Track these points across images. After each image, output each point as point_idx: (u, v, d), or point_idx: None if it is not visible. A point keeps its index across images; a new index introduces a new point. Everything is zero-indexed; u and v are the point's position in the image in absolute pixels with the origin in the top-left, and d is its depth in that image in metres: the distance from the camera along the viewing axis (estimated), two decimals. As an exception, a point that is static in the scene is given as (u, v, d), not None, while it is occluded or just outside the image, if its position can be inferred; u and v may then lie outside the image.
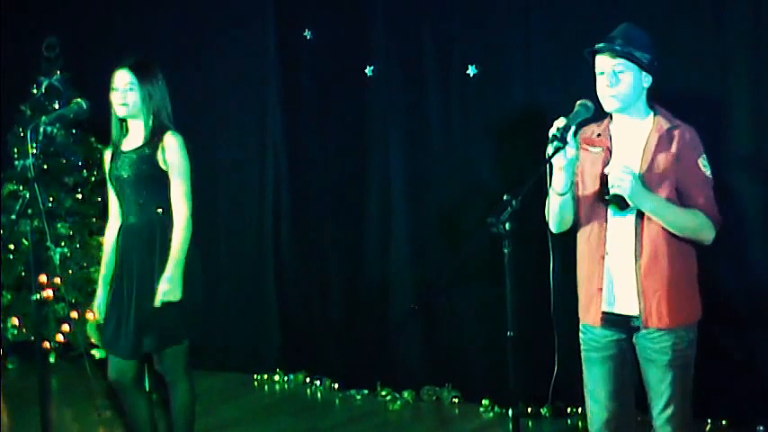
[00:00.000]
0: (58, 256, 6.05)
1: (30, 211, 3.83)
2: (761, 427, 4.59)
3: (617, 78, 3.21)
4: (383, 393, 5.56)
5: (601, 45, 3.25)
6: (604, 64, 3.24)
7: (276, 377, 6.02)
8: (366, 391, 5.64)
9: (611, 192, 3.16)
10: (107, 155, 4.21)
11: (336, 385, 5.77)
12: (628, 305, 3.27)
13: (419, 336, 5.56)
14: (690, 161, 3.22)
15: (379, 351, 5.65)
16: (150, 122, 4.08)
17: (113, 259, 4.16)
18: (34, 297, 3.93)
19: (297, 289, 6.03)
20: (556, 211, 3.29)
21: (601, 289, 3.30)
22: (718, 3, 4.56)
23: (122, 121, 4.13)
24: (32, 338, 5.82)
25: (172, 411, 4.23)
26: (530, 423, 4.99)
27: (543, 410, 5.05)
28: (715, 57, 4.59)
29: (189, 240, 4.04)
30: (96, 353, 5.80)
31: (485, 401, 5.25)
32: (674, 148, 3.21)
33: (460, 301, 5.37)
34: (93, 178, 6.42)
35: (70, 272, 6.24)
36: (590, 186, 3.32)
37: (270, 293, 6.09)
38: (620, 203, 3.18)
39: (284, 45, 5.89)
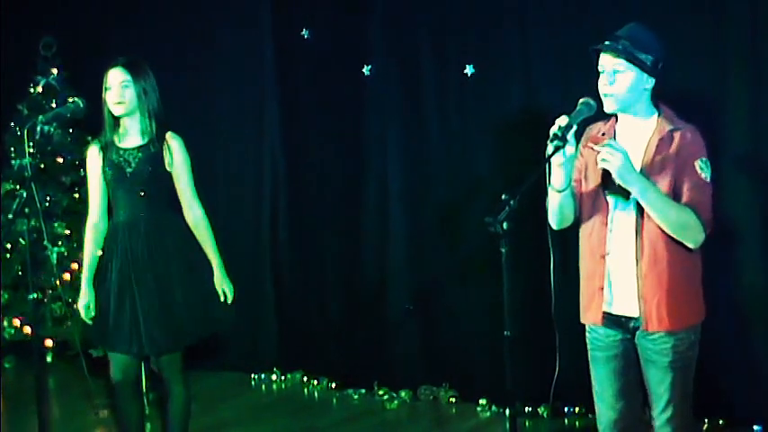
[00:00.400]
0: (55, 256, 6.04)
1: (27, 210, 3.82)
2: (757, 427, 4.60)
3: (616, 77, 3.21)
4: (380, 393, 5.56)
5: (606, 43, 3.25)
6: (606, 62, 3.24)
7: (273, 376, 6.02)
8: (363, 391, 5.64)
9: (600, 165, 3.13)
10: (94, 151, 4.16)
11: (334, 385, 5.77)
12: (628, 307, 3.26)
13: (416, 335, 5.56)
14: (687, 161, 3.21)
15: (377, 350, 5.65)
16: (148, 119, 4.09)
17: (105, 256, 4.14)
18: (31, 296, 3.93)
19: (294, 288, 6.03)
20: (555, 208, 3.29)
21: (602, 288, 3.29)
22: (718, 3, 4.57)
23: (115, 118, 4.13)
24: (29, 336, 5.84)
25: (167, 410, 4.23)
26: (527, 423, 5.00)
27: (541, 410, 5.05)
28: (714, 58, 4.59)
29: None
30: (93, 352, 5.79)
31: (482, 401, 5.26)
32: (673, 148, 3.21)
33: (458, 300, 5.37)
34: (90, 177, 6.41)
35: (67, 271, 6.23)
36: (592, 184, 3.32)
37: (267, 293, 6.08)
38: (623, 193, 3.17)
39: (281, 44, 5.89)
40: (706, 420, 4.66)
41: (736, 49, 4.55)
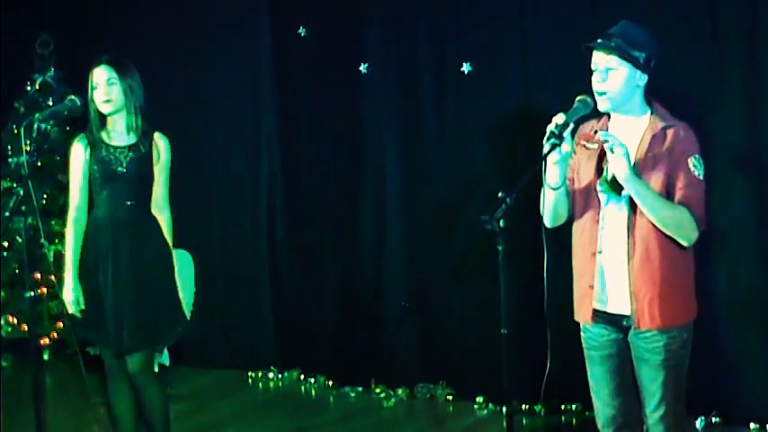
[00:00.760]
0: (52, 254, 6.03)
1: (23, 207, 3.82)
2: (753, 425, 4.60)
3: (609, 74, 3.21)
4: (377, 391, 5.57)
5: (597, 41, 3.25)
6: (599, 60, 3.24)
7: (271, 374, 6.01)
8: (360, 389, 5.65)
9: (609, 157, 3.12)
10: (80, 147, 4.15)
11: (331, 383, 5.77)
12: (620, 305, 3.27)
13: (413, 333, 5.57)
14: (680, 158, 3.21)
15: (374, 348, 5.66)
16: (134, 116, 4.11)
17: (84, 253, 4.16)
18: (28, 294, 3.93)
19: (291, 287, 6.02)
20: (550, 206, 3.29)
21: (592, 286, 3.30)
22: (714, 2, 4.57)
23: (102, 116, 4.13)
24: (26, 334, 5.84)
25: (147, 414, 4.23)
26: (524, 420, 5.01)
27: (537, 408, 5.06)
28: (709, 56, 4.60)
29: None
30: (90, 350, 5.79)
31: (479, 399, 5.26)
32: (666, 145, 3.21)
33: (455, 298, 5.38)
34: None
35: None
36: (585, 182, 3.32)
37: (264, 291, 6.08)
38: (616, 187, 3.17)
39: (279, 42, 5.89)
40: (701, 418, 4.67)
41: (732, 48, 4.55)
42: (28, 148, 5.99)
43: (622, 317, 3.28)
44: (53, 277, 6.11)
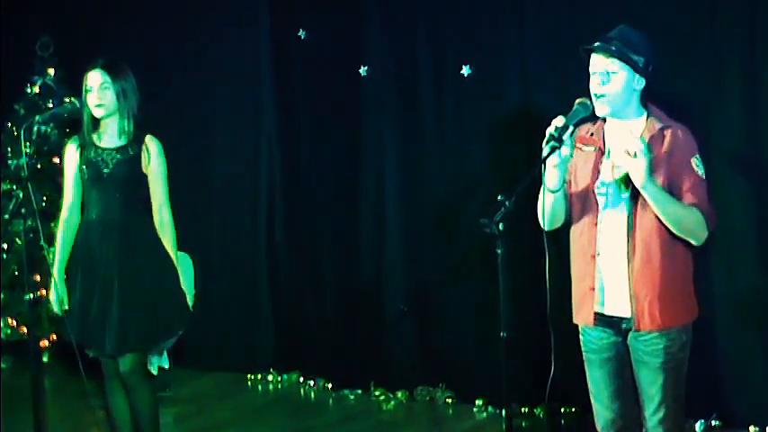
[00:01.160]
0: (51, 256, 6.02)
1: (23, 210, 3.83)
2: (753, 428, 4.60)
3: (608, 77, 3.21)
4: (377, 393, 5.56)
5: (596, 44, 3.25)
6: (598, 63, 3.24)
7: (270, 377, 6.01)
8: (360, 391, 5.64)
9: (626, 159, 3.09)
10: (72, 148, 4.19)
11: (330, 385, 5.77)
12: (620, 307, 3.26)
13: (413, 336, 5.56)
14: (682, 160, 3.21)
15: (373, 351, 5.65)
16: (127, 119, 4.11)
17: (72, 254, 4.18)
18: (27, 296, 3.92)
19: (290, 289, 6.02)
20: (548, 209, 3.28)
21: (593, 288, 3.30)
22: (714, 4, 4.57)
23: (95, 118, 4.14)
24: (26, 337, 5.83)
25: (136, 415, 4.21)
26: (523, 423, 5.00)
27: (537, 411, 5.06)
28: (710, 58, 4.60)
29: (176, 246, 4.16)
30: (90, 352, 5.79)
31: (478, 402, 5.26)
32: (665, 148, 3.21)
33: (454, 301, 5.38)
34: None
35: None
36: (582, 185, 3.32)
37: (263, 293, 6.08)
38: (626, 182, 3.17)
39: (278, 45, 5.89)
40: (701, 421, 4.67)
41: (732, 50, 4.55)
42: (28, 151, 5.99)
43: (621, 319, 3.28)
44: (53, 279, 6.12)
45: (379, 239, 5.66)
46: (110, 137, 4.15)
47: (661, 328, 3.22)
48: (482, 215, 2.95)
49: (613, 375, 3.35)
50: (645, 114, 3.29)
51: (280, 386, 5.95)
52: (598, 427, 3.43)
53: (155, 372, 4.47)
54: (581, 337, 3.41)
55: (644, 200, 3.16)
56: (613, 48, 3.20)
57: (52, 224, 6.15)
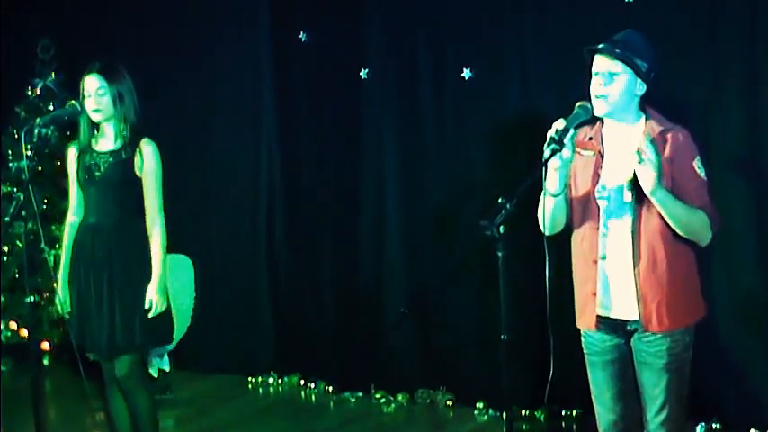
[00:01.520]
0: (52, 258, 6.02)
1: (24, 213, 3.84)
2: (754, 431, 4.60)
3: (611, 79, 3.22)
4: (377, 396, 5.56)
5: (601, 45, 3.26)
6: (601, 65, 3.25)
7: (270, 380, 6.01)
8: (360, 394, 5.64)
9: (638, 167, 3.09)
10: (72, 152, 4.22)
11: (330, 388, 5.76)
12: (626, 310, 3.27)
13: (413, 338, 5.56)
14: (684, 163, 3.23)
15: (374, 354, 5.65)
16: (123, 123, 4.11)
17: (72, 256, 4.19)
18: (28, 299, 3.93)
19: (291, 291, 6.02)
20: (549, 213, 3.28)
21: (595, 293, 3.30)
22: (714, 6, 4.57)
23: (93, 122, 4.15)
24: (26, 339, 5.83)
25: (135, 418, 4.21)
26: (524, 426, 5.00)
27: (538, 413, 5.05)
28: (710, 59, 4.60)
29: (166, 250, 4.11)
30: (90, 355, 5.79)
31: (479, 404, 5.26)
32: (667, 151, 3.22)
33: (455, 303, 5.37)
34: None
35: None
36: (582, 190, 3.32)
37: (264, 296, 6.08)
38: (633, 185, 3.17)
39: (279, 47, 5.89)
40: (702, 424, 4.66)
41: (732, 51, 4.55)
42: (28, 153, 5.97)
43: (626, 322, 3.28)
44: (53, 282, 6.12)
45: (379, 242, 5.66)
46: (106, 140, 4.15)
47: (669, 329, 3.22)
48: (482, 218, 2.95)
49: (616, 377, 3.36)
50: (643, 118, 3.29)
51: (280, 389, 5.95)
52: (600, 429, 3.44)
53: (155, 374, 4.47)
54: (583, 339, 3.41)
55: (648, 203, 3.16)
56: (618, 50, 3.21)
57: (53, 227, 6.17)
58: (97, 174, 4.10)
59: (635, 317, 3.26)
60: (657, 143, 3.22)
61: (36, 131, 4.08)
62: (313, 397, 5.78)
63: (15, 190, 6.05)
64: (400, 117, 5.52)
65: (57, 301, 4.21)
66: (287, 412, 5.55)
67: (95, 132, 4.17)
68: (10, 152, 6.37)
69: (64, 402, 5.75)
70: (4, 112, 6.48)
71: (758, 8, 4.48)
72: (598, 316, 3.31)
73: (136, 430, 4.23)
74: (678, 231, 3.19)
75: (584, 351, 3.41)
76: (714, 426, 4.66)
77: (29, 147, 4.72)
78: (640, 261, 3.22)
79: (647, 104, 3.31)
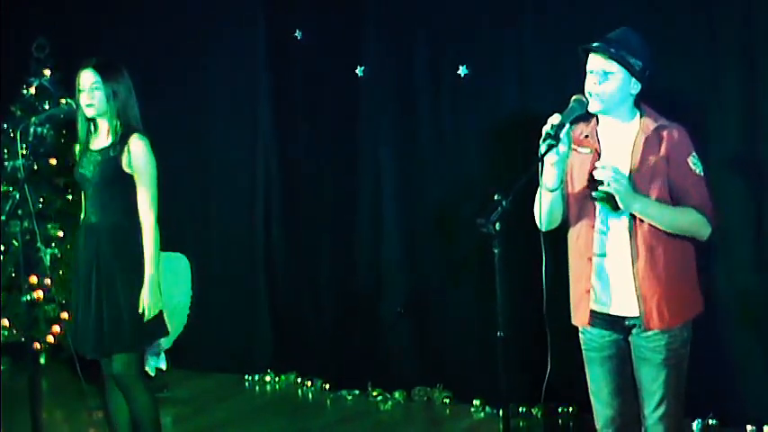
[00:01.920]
0: (48, 257, 6.03)
1: (20, 211, 3.84)
2: (750, 427, 4.60)
3: (606, 77, 3.22)
4: (374, 394, 5.56)
5: (596, 44, 3.26)
6: (596, 63, 3.25)
7: (267, 378, 6.01)
8: (357, 392, 5.64)
9: (602, 189, 3.15)
10: (76, 150, 4.21)
11: (327, 386, 5.76)
12: (626, 307, 3.27)
13: (410, 336, 5.56)
14: (679, 160, 3.23)
15: (371, 351, 5.65)
16: (115, 121, 4.06)
17: (74, 256, 4.20)
18: (24, 298, 3.92)
19: (288, 290, 6.02)
20: (546, 208, 3.29)
21: (588, 290, 3.31)
22: (710, 4, 4.58)
23: (92, 120, 4.12)
24: (23, 339, 5.82)
25: (134, 422, 4.17)
26: (521, 423, 5.00)
27: (534, 411, 5.06)
28: (706, 57, 4.60)
29: (158, 246, 4.03)
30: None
31: (476, 401, 5.26)
32: (662, 149, 3.22)
33: (452, 301, 5.38)
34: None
35: (60, 273, 6.22)
36: (578, 187, 3.33)
37: (261, 294, 6.08)
38: (611, 202, 3.19)
39: (275, 45, 5.89)
40: (698, 421, 4.67)
41: (729, 51, 4.56)
42: (24, 152, 5.99)
43: (625, 318, 3.28)
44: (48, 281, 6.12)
45: (376, 240, 5.66)
46: (100, 139, 4.12)
47: (670, 325, 3.23)
48: (479, 215, 2.95)
49: (614, 373, 3.36)
50: (638, 115, 3.30)
51: (277, 387, 5.95)
52: (597, 425, 3.44)
53: (152, 372, 4.46)
54: (581, 335, 3.41)
55: None
56: (612, 50, 3.21)
57: (49, 225, 6.18)
58: (88, 174, 4.08)
59: (634, 313, 3.26)
60: (652, 140, 3.23)
61: (32, 130, 4.08)
62: (310, 395, 5.78)
63: (11, 189, 6.04)
64: (397, 116, 5.52)
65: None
66: (284, 410, 5.55)
67: (93, 131, 4.15)
68: (6, 151, 6.36)
69: (61, 401, 5.75)
70: (0, 111, 6.47)
71: (756, 6, 4.48)
72: (594, 312, 3.32)
73: (136, 428, 4.22)
74: (671, 232, 3.20)
75: (582, 347, 3.42)
76: (710, 422, 4.67)
77: (24, 145, 4.73)
78: (638, 259, 3.23)
79: (643, 102, 3.32)
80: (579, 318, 3.36)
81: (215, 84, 6.12)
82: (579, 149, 3.33)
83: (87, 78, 4.07)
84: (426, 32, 5.37)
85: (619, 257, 3.26)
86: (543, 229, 3.28)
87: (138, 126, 4.10)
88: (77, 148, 4.19)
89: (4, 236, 6.06)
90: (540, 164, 3.13)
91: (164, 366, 4.50)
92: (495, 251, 3.01)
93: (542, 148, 3.10)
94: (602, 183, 3.15)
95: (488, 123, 5.21)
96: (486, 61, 5.19)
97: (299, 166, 5.91)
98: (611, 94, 3.23)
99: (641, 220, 3.20)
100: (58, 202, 6.34)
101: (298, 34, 5.77)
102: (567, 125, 3.14)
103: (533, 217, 3.32)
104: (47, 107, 6.26)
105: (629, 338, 3.32)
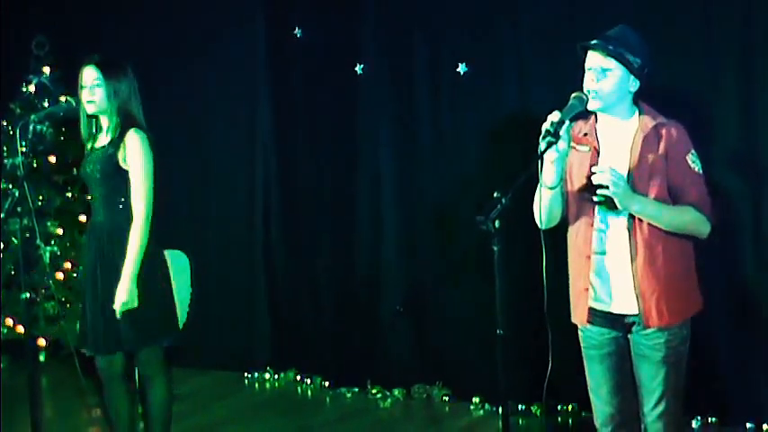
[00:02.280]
0: (47, 255, 6.03)
1: (19, 209, 3.83)
2: (750, 425, 4.61)
3: (604, 74, 3.23)
4: (373, 391, 5.57)
5: (594, 42, 3.26)
6: (594, 60, 3.26)
7: (267, 375, 6.01)
8: (356, 389, 5.65)
9: (601, 192, 3.16)
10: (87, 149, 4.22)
11: (327, 383, 5.77)
12: (626, 305, 3.28)
13: (409, 334, 5.57)
14: (678, 158, 3.24)
15: (370, 349, 5.66)
16: (116, 119, 4.06)
17: (83, 256, 4.20)
18: (24, 296, 3.92)
19: (287, 288, 6.02)
20: (545, 206, 3.29)
21: (587, 288, 3.31)
22: (709, 4, 4.58)
23: (95, 118, 4.13)
24: (22, 336, 5.83)
25: (147, 412, 4.21)
26: (520, 421, 5.01)
27: (534, 408, 5.06)
28: (705, 55, 4.60)
29: (145, 244, 3.98)
30: (86, 351, 5.80)
31: (475, 399, 5.26)
32: (661, 147, 3.23)
33: (451, 299, 5.38)
34: (83, 176, 6.41)
35: (60, 271, 6.22)
36: (577, 185, 3.33)
37: (260, 292, 6.08)
38: (609, 204, 3.19)
39: (274, 43, 5.88)
40: (698, 418, 4.68)
41: (727, 48, 4.56)
42: (23, 150, 5.98)
43: (625, 316, 3.29)
44: (49, 279, 6.12)
45: (375, 238, 5.66)
46: (102, 136, 4.13)
47: (669, 323, 3.23)
48: (478, 213, 2.95)
49: (613, 370, 3.37)
50: (637, 113, 3.30)
51: (277, 384, 5.95)
52: (597, 423, 3.44)
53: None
54: (580, 333, 3.42)
55: None
56: (611, 47, 3.22)
57: (48, 223, 6.18)
58: (88, 170, 4.09)
59: (634, 311, 3.26)
60: (651, 138, 3.23)
61: (31, 128, 4.07)
62: (309, 392, 5.78)
63: (10, 186, 6.04)
64: (396, 114, 5.52)
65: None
66: (283, 408, 5.55)
67: (98, 129, 4.14)
68: (5, 148, 6.36)
69: (61, 398, 5.75)
70: (-1, 109, 6.48)
71: (755, 6, 4.48)
72: (594, 309, 3.32)
73: (147, 420, 4.22)
74: (670, 231, 3.21)
75: (582, 345, 3.42)
76: (710, 420, 4.68)
77: (24, 143, 4.72)
78: (637, 256, 3.23)
79: (642, 99, 3.32)
80: (578, 316, 3.37)
81: (214, 82, 6.11)
82: (578, 147, 3.33)
83: (89, 75, 4.07)
84: (425, 31, 5.36)
85: (618, 255, 3.26)
86: (542, 227, 3.28)
87: (140, 123, 4.09)
88: (88, 145, 4.18)
89: (3, 233, 6.06)
90: (539, 161, 3.13)
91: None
92: (495, 249, 3.01)
93: (542, 146, 3.10)
94: (600, 186, 3.16)
95: (487, 122, 5.20)
96: (486, 60, 5.18)
97: (297, 164, 5.91)
98: (610, 91, 3.23)
99: (640, 219, 3.21)
100: (58, 200, 6.35)
101: (297, 32, 5.77)
102: (567, 122, 3.14)
103: (533, 215, 3.32)
104: (46, 105, 6.26)
105: (629, 336, 3.32)
